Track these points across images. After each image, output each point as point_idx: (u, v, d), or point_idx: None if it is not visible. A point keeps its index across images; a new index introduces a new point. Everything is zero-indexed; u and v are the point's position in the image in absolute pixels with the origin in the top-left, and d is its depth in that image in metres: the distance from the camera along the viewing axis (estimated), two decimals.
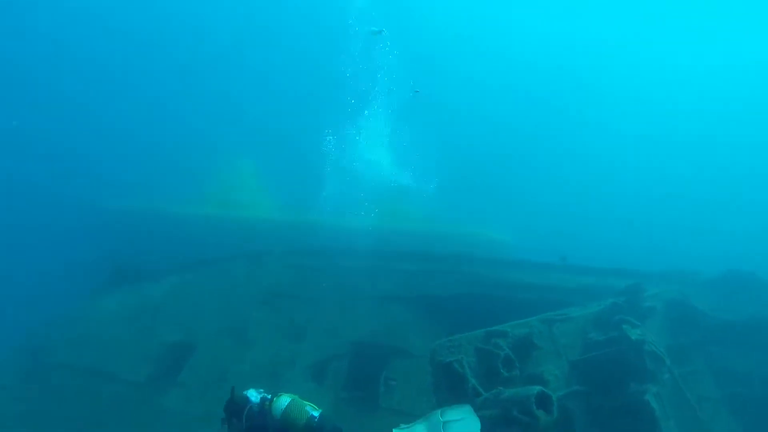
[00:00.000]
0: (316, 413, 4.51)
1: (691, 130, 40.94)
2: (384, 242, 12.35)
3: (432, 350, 6.27)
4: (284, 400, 4.53)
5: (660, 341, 6.92)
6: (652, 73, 43.51)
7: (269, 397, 4.62)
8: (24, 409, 11.00)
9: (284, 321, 11.00)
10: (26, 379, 11.45)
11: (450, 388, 5.87)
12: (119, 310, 12.57)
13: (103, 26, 38.67)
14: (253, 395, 4.61)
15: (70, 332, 12.29)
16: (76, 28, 37.93)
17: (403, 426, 5.45)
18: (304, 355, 10.24)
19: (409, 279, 11.18)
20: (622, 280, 8.66)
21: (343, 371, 9.79)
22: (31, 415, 10.82)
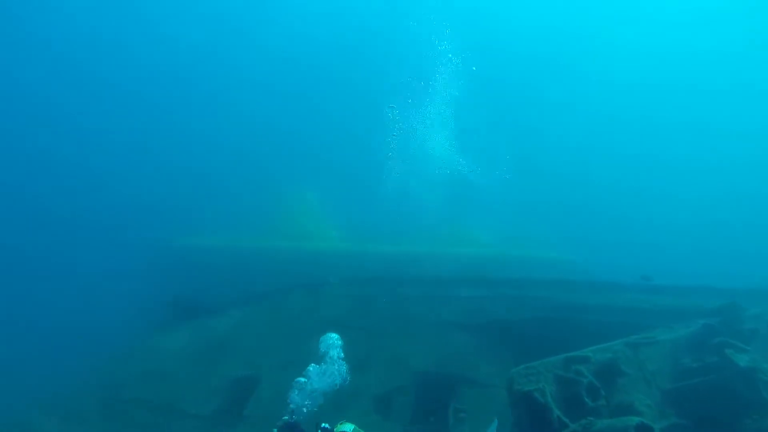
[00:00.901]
0: None
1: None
2: (443, 269, 12.06)
3: (509, 379, 5.87)
4: (348, 427, 4.44)
5: None
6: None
7: (329, 427, 4.58)
8: None
9: (345, 352, 10.82)
10: (103, 412, 11.80)
11: (531, 419, 5.43)
12: (184, 346, 12.84)
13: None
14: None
15: (138, 367, 12.65)
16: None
17: None
18: (368, 386, 9.96)
19: (471, 305, 10.79)
20: (711, 299, 7.90)
21: (410, 403, 9.43)
22: None
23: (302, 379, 5.83)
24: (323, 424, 4.67)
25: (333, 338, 5.74)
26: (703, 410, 5.80)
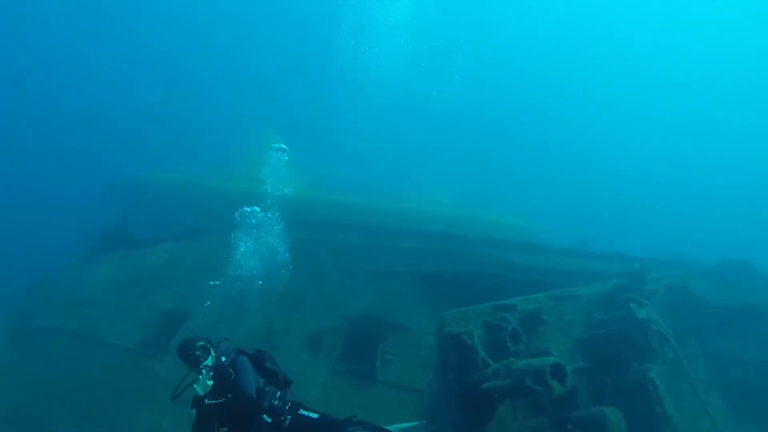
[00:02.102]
0: None
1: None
2: (386, 221, 12.26)
3: (440, 321, 6.22)
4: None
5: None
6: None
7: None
8: (9, 371, 10.80)
9: (280, 291, 10.89)
10: (14, 341, 11.22)
11: (458, 360, 5.83)
12: (110, 276, 12.34)
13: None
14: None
15: (60, 296, 12.06)
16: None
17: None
18: (300, 324, 10.15)
19: (408, 256, 11.13)
20: (626, 264, 8.69)
21: (339, 343, 9.74)
22: (20, 377, 10.62)
23: None
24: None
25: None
26: (604, 356, 6.51)
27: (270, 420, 4.34)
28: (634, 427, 5.67)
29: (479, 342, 5.86)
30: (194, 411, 4.20)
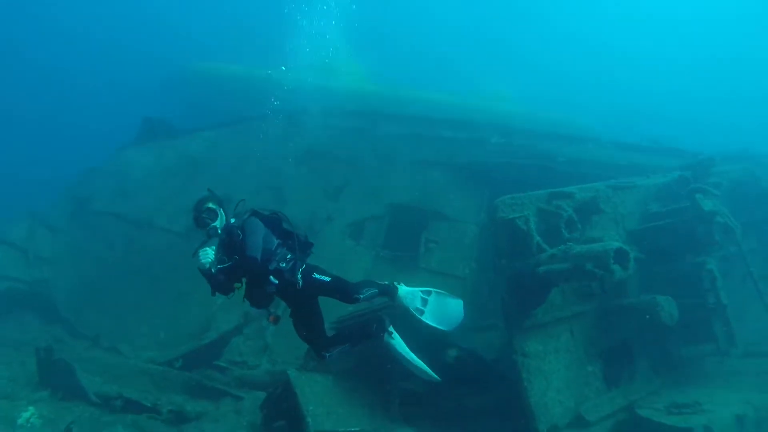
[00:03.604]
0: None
1: None
2: (428, 110, 11.65)
3: (492, 207, 6.03)
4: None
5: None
6: None
7: None
8: (74, 251, 11.53)
9: (321, 180, 10.87)
10: (74, 224, 11.83)
11: (511, 245, 5.73)
12: (153, 163, 12.52)
13: None
14: None
15: (110, 183, 12.42)
16: None
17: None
18: (341, 213, 10.22)
19: (452, 146, 10.73)
20: (688, 159, 8.10)
21: (382, 231, 9.84)
22: (80, 256, 11.35)
23: None
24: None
25: None
26: (659, 247, 6.31)
27: (277, 281, 4.39)
28: (685, 317, 5.63)
29: (534, 227, 5.69)
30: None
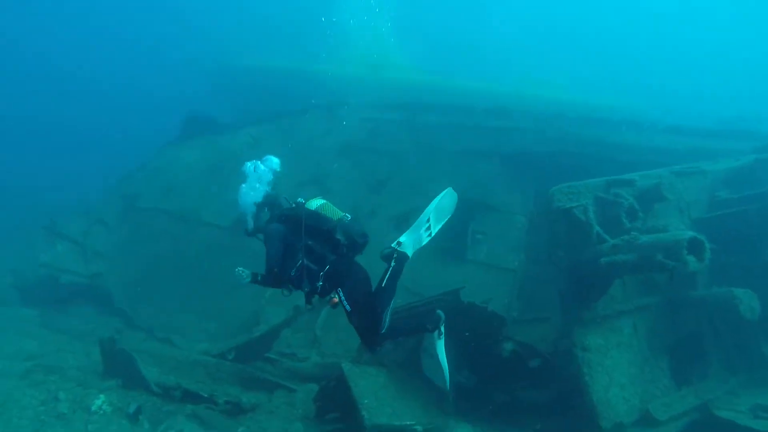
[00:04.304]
0: (349, 216, 4.53)
1: None
2: (468, 99, 11.36)
3: (548, 196, 5.80)
4: (319, 201, 4.59)
5: None
6: None
7: (303, 201, 4.65)
8: (126, 246, 11.91)
9: (364, 173, 10.81)
10: (124, 220, 12.22)
11: (569, 235, 5.50)
12: (197, 159, 12.76)
13: None
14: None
15: (156, 180, 12.74)
16: None
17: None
18: (385, 206, 10.14)
19: (495, 135, 10.45)
20: (758, 141, 7.58)
21: None
22: (132, 251, 11.71)
23: None
24: (299, 198, 4.71)
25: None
26: (731, 236, 5.91)
27: (307, 288, 4.27)
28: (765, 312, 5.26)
29: (593, 217, 5.44)
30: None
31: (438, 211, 5.24)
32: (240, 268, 4.41)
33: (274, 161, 4.91)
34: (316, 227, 4.35)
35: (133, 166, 13.42)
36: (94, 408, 5.17)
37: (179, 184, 12.41)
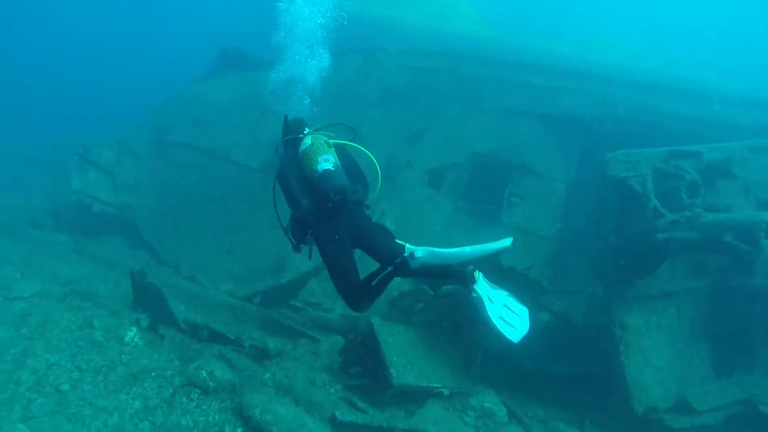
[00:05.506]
0: (329, 166, 3.78)
1: None
2: (518, 54, 10.60)
3: (604, 162, 5.39)
4: (308, 140, 4.02)
5: None
6: None
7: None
8: (154, 179, 11.88)
9: (400, 122, 10.38)
10: (154, 152, 12.14)
11: (621, 207, 5.13)
12: (229, 96, 12.44)
13: None
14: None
15: (187, 114, 12.52)
16: None
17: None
18: (421, 159, 9.77)
19: (542, 94, 9.83)
20: None
21: (463, 181, 9.35)
22: (161, 184, 11.69)
23: None
24: (305, 129, 4.40)
25: None
26: None
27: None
28: None
29: (651, 189, 5.04)
30: None
31: (478, 253, 3.65)
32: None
33: None
34: (299, 175, 3.97)
35: (165, 96, 13.18)
36: (126, 339, 5.22)
37: (209, 120, 12.18)
